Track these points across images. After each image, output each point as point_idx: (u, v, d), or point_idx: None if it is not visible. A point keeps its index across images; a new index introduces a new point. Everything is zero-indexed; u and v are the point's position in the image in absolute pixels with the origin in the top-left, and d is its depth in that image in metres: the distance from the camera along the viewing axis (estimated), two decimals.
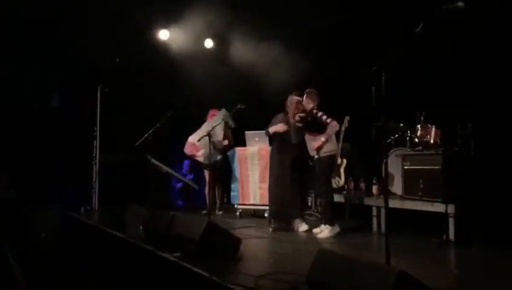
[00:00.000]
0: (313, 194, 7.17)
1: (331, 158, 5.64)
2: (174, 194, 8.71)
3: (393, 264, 3.05)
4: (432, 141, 5.62)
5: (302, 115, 5.96)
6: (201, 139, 6.54)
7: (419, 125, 5.75)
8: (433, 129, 5.65)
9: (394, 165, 5.89)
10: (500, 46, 5.59)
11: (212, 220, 4.97)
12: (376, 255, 3.99)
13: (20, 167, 7.63)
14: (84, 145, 7.98)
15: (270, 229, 5.85)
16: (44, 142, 7.93)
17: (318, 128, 5.56)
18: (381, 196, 5.68)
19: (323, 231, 5.41)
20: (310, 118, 5.70)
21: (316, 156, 5.65)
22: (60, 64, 8.47)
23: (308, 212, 6.85)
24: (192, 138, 7.45)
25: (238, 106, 6.11)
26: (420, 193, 5.29)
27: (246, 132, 6.98)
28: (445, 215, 4.92)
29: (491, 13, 5.40)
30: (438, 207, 5.01)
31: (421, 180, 5.29)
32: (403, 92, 5.45)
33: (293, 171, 5.91)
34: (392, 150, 6.20)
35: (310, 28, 7.30)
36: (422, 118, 5.77)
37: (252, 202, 6.97)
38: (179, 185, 8.64)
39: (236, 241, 4.26)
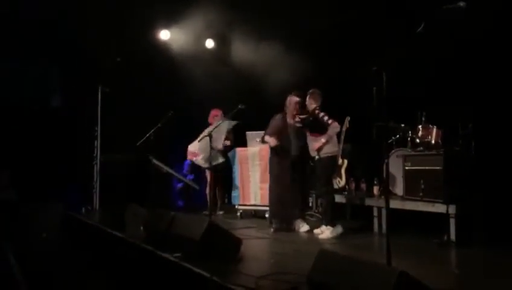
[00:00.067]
0: (314, 195, 7.16)
1: (332, 159, 5.64)
2: (174, 195, 8.71)
3: (394, 264, 3.04)
4: (433, 142, 5.61)
5: (302, 116, 5.96)
6: (202, 141, 6.54)
7: (420, 126, 5.74)
8: (434, 129, 5.64)
9: (395, 166, 5.88)
10: (501, 46, 5.58)
11: (213, 220, 4.97)
12: (377, 256, 3.98)
13: (20, 166, 7.64)
14: (85, 145, 7.98)
15: (271, 230, 5.85)
16: (45, 142, 7.93)
17: (320, 128, 5.55)
18: (382, 197, 5.67)
19: (325, 232, 5.39)
20: (311, 118, 5.69)
21: (316, 157, 5.64)
22: (60, 64, 8.48)
23: (309, 212, 6.85)
24: (192, 146, 7.46)
25: (239, 106, 6.10)
26: (421, 194, 5.28)
27: (247, 132, 6.97)
28: (446, 215, 4.91)
29: (492, 13, 5.39)
30: (439, 208, 5.00)
31: (422, 181, 5.28)
32: (403, 92, 5.44)
33: (293, 171, 5.90)
34: (393, 151, 6.19)
35: (311, 28, 7.29)
36: (423, 119, 5.76)
37: (252, 202, 6.96)
38: (180, 185, 8.64)
39: (237, 242, 4.25)
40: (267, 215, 6.30)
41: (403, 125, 6.17)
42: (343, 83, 6.90)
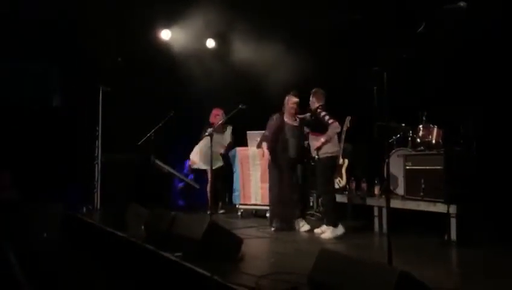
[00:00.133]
0: (314, 194, 7.16)
1: (332, 159, 5.60)
2: (175, 194, 8.71)
3: (395, 264, 3.04)
4: (433, 141, 5.61)
5: (301, 116, 5.97)
6: (201, 147, 6.67)
7: (421, 126, 5.74)
8: (435, 129, 5.64)
9: (396, 166, 5.88)
10: (503, 46, 5.58)
11: (214, 220, 4.97)
12: (378, 256, 4.00)
13: (21, 166, 7.64)
14: (85, 145, 7.98)
15: (272, 229, 5.85)
16: (45, 142, 7.94)
17: (321, 128, 5.53)
18: (383, 196, 5.66)
19: (326, 232, 5.38)
20: (313, 117, 5.69)
21: (316, 157, 5.63)
22: (60, 64, 8.49)
23: (309, 212, 6.85)
24: (193, 155, 7.50)
25: (240, 106, 6.11)
26: (422, 193, 5.28)
27: (248, 132, 6.97)
28: (447, 215, 4.91)
29: (493, 13, 5.39)
30: (440, 207, 5.00)
31: (422, 181, 5.28)
32: (404, 92, 5.44)
33: (292, 171, 5.91)
34: (394, 150, 6.18)
35: (312, 28, 7.29)
36: (424, 118, 5.76)
37: (253, 202, 6.97)
38: (181, 184, 8.64)
39: (238, 241, 4.25)
40: (267, 215, 6.30)
41: (403, 125, 6.17)
42: (345, 83, 6.90)
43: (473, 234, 4.88)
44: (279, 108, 6.08)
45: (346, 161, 6.13)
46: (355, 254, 3.85)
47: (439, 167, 5.16)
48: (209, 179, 7.37)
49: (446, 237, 4.90)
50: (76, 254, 5.25)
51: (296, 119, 5.99)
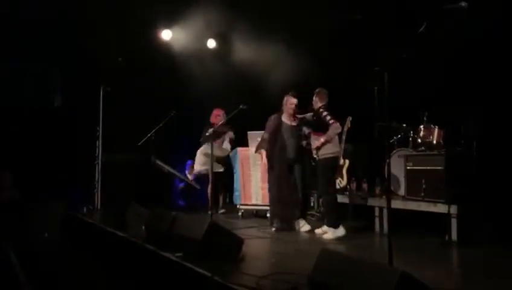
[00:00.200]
0: (315, 195, 7.16)
1: (332, 160, 5.57)
2: (176, 194, 8.71)
3: (396, 264, 3.04)
4: (434, 142, 5.61)
5: (301, 116, 5.96)
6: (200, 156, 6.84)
7: (422, 126, 5.74)
8: (436, 129, 5.64)
9: (397, 166, 5.87)
10: (504, 46, 5.57)
11: (214, 220, 4.97)
12: (378, 256, 3.99)
13: (22, 166, 7.64)
14: (86, 145, 7.98)
15: (273, 230, 5.84)
16: (46, 142, 7.94)
17: (323, 128, 5.52)
18: (384, 197, 5.65)
19: (327, 233, 5.36)
20: (315, 117, 5.68)
21: (316, 157, 5.63)
22: (61, 64, 8.49)
23: (310, 212, 6.84)
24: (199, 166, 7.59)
25: (241, 106, 6.11)
26: (423, 194, 5.27)
27: (249, 132, 6.97)
28: (447, 215, 4.91)
29: (494, 13, 5.38)
30: (441, 208, 5.00)
31: (423, 181, 5.28)
32: (405, 92, 5.43)
33: (292, 171, 5.90)
34: (394, 151, 6.18)
35: (312, 28, 7.29)
36: (425, 119, 5.76)
37: (254, 202, 6.96)
38: (181, 185, 8.64)
39: (239, 242, 4.25)
40: (268, 215, 6.30)
41: (404, 125, 6.17)
42: (345, 83, 6.89)
43: (474, 234, 4.87)
44: (279, 108, 6.08)
45: (347, 161, 6.11)
46: (356, 254, 3.84)
47: (440, 168, 5.15)
48: (210, 180, 7.39)
49: (447, 238, 4.90)
50: (76, 254, 5.25)
51: (294, 120, 5.99)
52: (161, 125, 7.57)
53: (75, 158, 8.01)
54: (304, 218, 5.96)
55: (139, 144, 7.60)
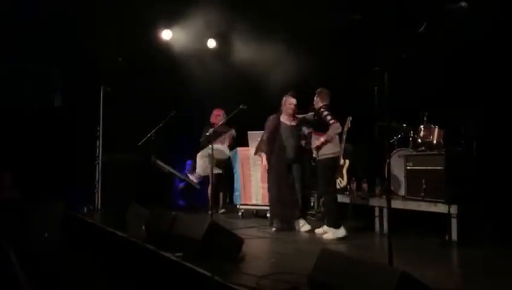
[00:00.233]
0: (315, 195, 7.16)
1: (333, 160, 5.54)
2: (176, 194, 8.71)
3: (396, 264, 3.04)
4: (434, 142, 5.61)
5: (302, 115, 5.97)
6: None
7: (422, 126, 5.74)
8: (436, 129, 5.64)
9: (397, 166, 5.88)
10: (504, 46, 5.57)
11: (215, 220, 4.97)
12: (378, 256, 3.99)
13: (22, 166, 7.64)
14: (87, 145, 7.98)
15: (273, 230, 5.84)
16: (46, 142, 7.94)
17: (323, 128, 5.52)
18: (384, 197, 5.65)
19: (328, 233, 5.35)
20: (316, 117, 5.68)
21: (317, 158, 5.62)
22: (61, 64, 8.49)
23: (310, 212, 6.84)
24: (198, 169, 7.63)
25: (241, 106, 6.11)
26: (423, 194, 5.27)
27: (249, 132, 6.97)
28: (447, 215, 4.91)
29: (494, 13, 5.38)
30: (441, 208, 5.00)
31: (423, 181, 5.28)
32: (405, 92, 5.44)
33: (291, 171, 5.90)
34: (394, 151, 6.18)
35: (312, 28, 7.30)
36: (425, 118, 5.76)
37: (254, 202, 6.96)
38: (181, 184, 8.64)
39: (239, 242, 4.25)
40: (268, 215, 6.30)
41: (404, 125, 6.17)
42: (345, 83, 6.90)
43: (474, 234, 4.87)
44: (279, 108, 6.08)
45: (347, 161, 6.11)
46: (356, 254, 3.84)
47: (440, 168, 5.15)
48: (210, 181, 7.40)
49: (447, 238, 4.90)
50: (76, 254, 5.25)
51: (294, 120, 5.98)
52: (161, 125, 7.56)
53: (75, 158, 8.01)
54: (304, 218, 5.96)
55: (139, 144, 7.59)
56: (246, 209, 7.11)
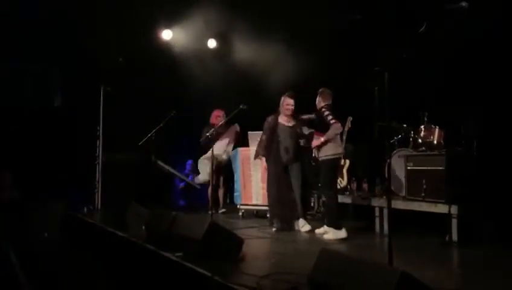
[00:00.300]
0: (315, 195, 7.15)
1: (334, 161, 5.51)
2: (176, 194, 8.72)
3: (396, 264, 3.04)
4: (435, 142, 5.61)
5: (306, 116, 5.96)
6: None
7: (422, 126, 5.74)
8: (437, 130, 5.64)
9: (397, 166, 5.88)
10: (504, 47, 5.57)
11: (215, 220, 4.96)
12: (379, 256, 3.99)
13: (22, 166, 7.64)
14: (87, 145, 7.98)
15: (273, 230, 5.84)
16: (46, 142, 7.94)
17: (324, 128, 5.51)
18: (384, 197, 5.66)
19: (328, 233, 5.34)
20: (317, 117, 5.67)
21: (318, 158, 5.61)
22: (61, 64, 8.49)
23: (310, 212, 6.84)
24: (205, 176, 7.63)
25: (241, 106, 6.11)
26: (423, 194, 5.27)
27: (249, 132, 6.97)
28: (448, 216, 4.90)
29: (494, 13, 5.38)
30: (441, 208, 4.99)
31: (424, 181, 5.27)
32: (405, 92, 5.44)
33: (290, 171, 5.90)
34: (395, 151, 6.18)
35: (312, 28, 7.30)
36: (425, 119, 5.76)
37: (254, 202, 6.96)
38: (182, 184, 8.65)
39: (239, 242, 4.25)
40: (268, 215, 6.30)
41: (405, 125, 6.17)
42: (345, 83, 6.90)
43: (474, 234, 4.87)
44: (277, 109, 6.08)
45: (348, 161, 6.13)
46: (356, 254, 3.84)
47: (440, 168, 5.14)
48: (210, 181, 7.40)
49: (447, 238, 4.90)
50: (76, 254, 5.24)
51: (292, 120, 5.98)
52: (161, 125, 7.56)
53: (75, 158, 8.01)
54: (304, 218, 5.95)
55: (139, 144, 7.59)
56: (246, 210, 7.10)
